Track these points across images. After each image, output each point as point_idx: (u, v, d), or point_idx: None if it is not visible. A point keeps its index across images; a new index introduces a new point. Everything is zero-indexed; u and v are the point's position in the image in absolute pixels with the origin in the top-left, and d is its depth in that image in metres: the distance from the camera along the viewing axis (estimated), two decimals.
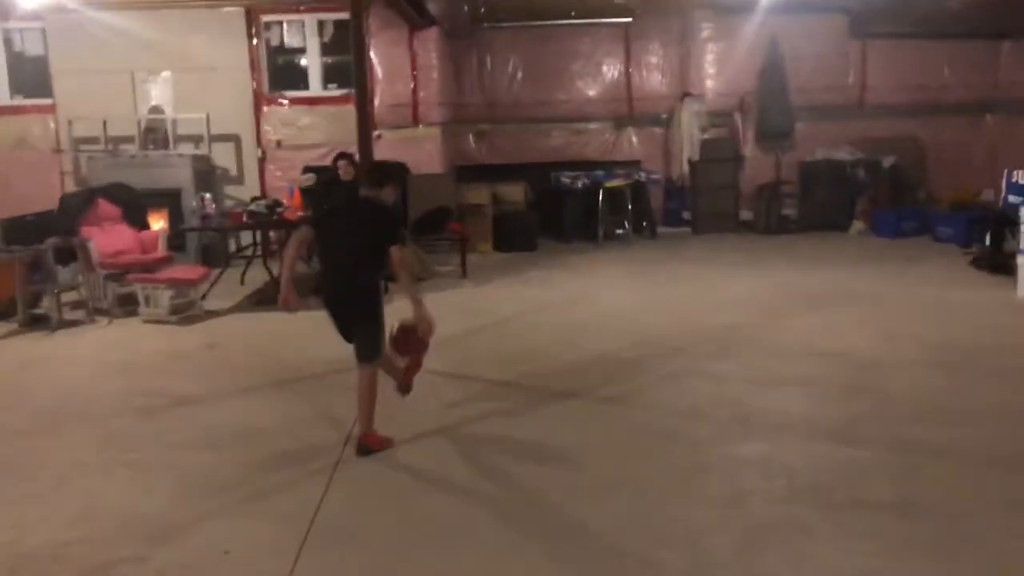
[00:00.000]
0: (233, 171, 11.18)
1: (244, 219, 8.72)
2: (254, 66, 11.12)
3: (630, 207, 11.79)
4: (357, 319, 4.86)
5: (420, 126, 11.37)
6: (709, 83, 12.54)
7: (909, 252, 10.42)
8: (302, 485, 4.45)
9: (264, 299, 8.67)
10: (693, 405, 5.44)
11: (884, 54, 12.49)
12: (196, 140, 10.88)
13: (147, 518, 4.10)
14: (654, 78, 12.86)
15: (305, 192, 9.44)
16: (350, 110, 11.06)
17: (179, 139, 10.92)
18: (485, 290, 9.21)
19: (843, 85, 12.60)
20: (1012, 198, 8.50)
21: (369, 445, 4.77)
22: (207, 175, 10.75)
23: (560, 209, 11.94)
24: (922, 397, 5.46)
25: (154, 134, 10.91)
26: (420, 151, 11.19)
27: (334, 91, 11.26)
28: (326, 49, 11.21)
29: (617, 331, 7.29)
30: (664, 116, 12.80)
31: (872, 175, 12.06)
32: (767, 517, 3.91)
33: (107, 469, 4.73)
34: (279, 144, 11.19)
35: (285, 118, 11.22)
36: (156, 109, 11.06)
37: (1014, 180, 8.49)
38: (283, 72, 11.27)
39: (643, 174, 12.10)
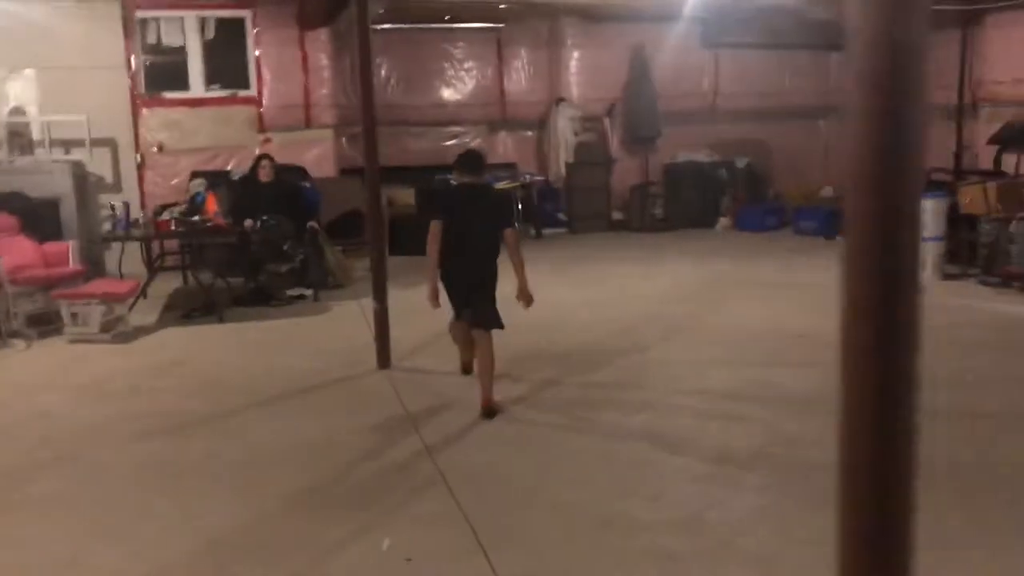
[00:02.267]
0: (109, 178, 10.36)
1: (173, 227, 8.14)
2: (130, 65, 10.37)
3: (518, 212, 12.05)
4: (487, 295, 5.28)
5: (312, 128, 11.04)
6: (579, 89, 13.02)
7: (786, 244, 11.39)
8: (415, 483, 4.37)
9: (193, 312, 8.19)
10: (729, 388, 5.80)
11: (733, 62, 13.49)
12: (68, 145, 10.00)
13: (294, 537, 3.88)
14: (526, 83, 13.18)
15: (220, 196, 8.98)
16: (236, 112, 10.70)
17: (48, 143, 9.99)
18: (410, 295, 9.10)
19: (699, 91, 13.50)
20: None
21: (496, 407, 5.27)
22: (82, 182, 9.90)
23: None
24: None
25: (19, 139, 9.92)
26: (312, 154, 10.88)
27: (218, 92, 10.70)
28: (208, 48, 10.63)
29: (571, 325, 7.51)
30: (536, 120, 13.15)
31: (730, 175, 13.02)
32: None
33: (183, 496, 4.40)
34: (160, 148, 10.49)
35: (166, 121, 10.54)
36: (17, 111, 10.06)
37: None
38: (162, 72, 10.57)
39: (527, 176, 12.41)
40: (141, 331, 7.73)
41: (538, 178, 12.62)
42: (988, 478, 4.30)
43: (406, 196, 11.74)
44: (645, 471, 4.53)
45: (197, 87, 10.66)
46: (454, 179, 5.61)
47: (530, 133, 13.33)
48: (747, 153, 13.36)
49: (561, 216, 13.07)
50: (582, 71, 13.06)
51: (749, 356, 6.52)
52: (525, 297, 5.33)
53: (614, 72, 12.99)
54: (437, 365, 6.39)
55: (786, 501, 4.13)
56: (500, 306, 5.36)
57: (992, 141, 9.77)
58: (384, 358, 6.35)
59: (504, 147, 13.25)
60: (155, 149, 10.49)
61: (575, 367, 6.35)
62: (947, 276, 8.82)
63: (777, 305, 8.08)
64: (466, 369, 5.96)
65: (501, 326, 5.29)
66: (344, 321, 8.04)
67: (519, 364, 6.26)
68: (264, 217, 8.56)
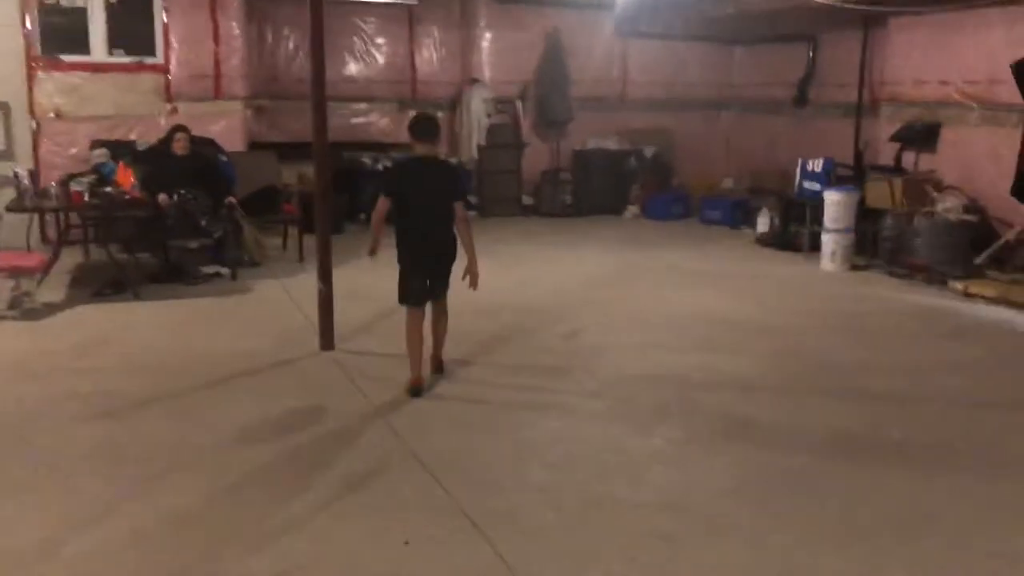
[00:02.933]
0: (1, 145, 9.67)
1: (87, 198, 7.66)
2: (25, 24, 9.68)
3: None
4: (447, 265, 5.42)
5: (222, 99, 10.59)
6: (492, 70, 12.95)
7: (694, 233, 11.65)
8: (394, 467, 4.27)
9: (105, 289, 7.75)
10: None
11: (643, 52, 13.69)
12: None
13: (282, 522, 3.73)
14: (438, 62, 13.01)
15: (133, 167, 8.53)
16: (140, 79, 10.22)
17: None
18: (338, 276, 8.87)
19: (609, 79, 13.64)
20: (807, 184, 9.87)
21: (443, 365, 5.70)
22: None
23: (357, 191, 11.79)
24: (836, 354, 6.37)
25: None
26: (221, 127, 10.43)
27: (122, 58, 10.12)
28: (112, 11, 10.02)
29: (507, 310, 7.51)
30: (447, 100, 13.02)
31: (639, 163, 13.23)
32: None
33: (154, 481, 4.17)
34: (57, 115, 9.86)
35: (64, 86, 9.90)
36: None
37: (809, 168, 9.85)
38: (60, 33, 9.90)
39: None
40: (51, 308, 7.27)
41: (452, 160, 12.49)
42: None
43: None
44: (619, 453, 4.57)
45: (99, 51, 10.02)
46: (411, 146, 5.52)
47: (440, 114, 13.17)
48: (653, 142, 13.59)
49: (472, 199, 12.99)
50: (495, 53, 12.99)
51: (687, 340, 6.66)
52: (473, 275, 5.37)
53: (527, 55, 12.97)
54: (380, 347, 6.27)
55: (759, 480, 4.25)
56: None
57: (894, 139, 10.25)
58: (328, 340, 6.18)
59: None
60: (52, 115, 9.85)
61: (522, 351, 6.36)
62: (854, 267, 9.23)
63: (701, 292, 8.28)
64: (416, 390, 5.33)
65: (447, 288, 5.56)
66: (270, 301, 7.78)
67: (466, 348, 6.21)
68: (182, 191, 8.19)
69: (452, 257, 5.45)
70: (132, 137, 10.01)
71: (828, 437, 4.83)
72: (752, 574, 3.44)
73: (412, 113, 12.75)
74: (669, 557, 3.55)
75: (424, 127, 5.43)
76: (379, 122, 12.84)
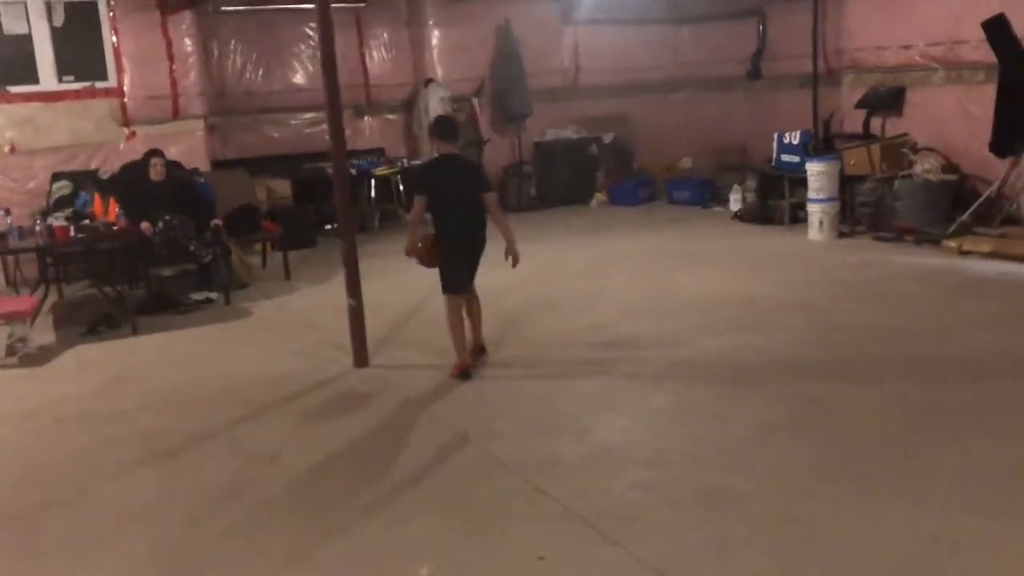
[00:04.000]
0: None
1: (71, 234, 7.28)
2: None
3: (402, 194, 11.77)
4: (479, 253, 5.80)
5: (180, 119, 10.21)
6: (444, 68, 12.76)
7: (667, 215, 11.66)
8: (497, 480, 4.14)
9: (99, 326, 7.40)
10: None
11: (592, 39, 13.67)
12: None
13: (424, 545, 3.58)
14: (390, 64, 12.77)
15: (108, 195, 8.18)
16: (94, 105, 9.82)
17: None
18: (326, 288, 8.66)
19: (561, 68, 13.58)
20: (785, 156, 9.97)
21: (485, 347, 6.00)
22: None
23: (321, 201, 11.56)
24: (870, 323, 6.44)
25: None
26: (182, 148, 10.06)
27: (73, 84, 9.67)
28: (57, 35, 9.56)
29: (535, 308, 7.39)
30: (402, 102, 12.81)
31: (600, 150, 13.22)
32: None
33: (237, 528, 3.97)
34: (12, 149, 9.37)
35: (16, 118, 9.40)
36: None
37: (786, 141, 9.95)
38: (6, 64, 9.39)
39: (403, 161, 12.09)
40: (48, 352, 6.90)
41: (415, 162, 12.30)
42: None
43: (282, 187, 11.16)
44: (706, 443, 4.52)
45: (48, 79, 9.56)
46: (434, 148, 5.95)
47: (393, 116, 12.97)
48: (611, 128, 13.59)
49: None
50: (446, 50, 12.80)
51: (719, 323, 6.62)
52: (514, 253, 5.75)
53: (479, 51, 12.84)
54: (414, 359, 6.13)
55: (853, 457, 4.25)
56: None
57: (859, 105, 10.44)
58: (362, 357, 5.99)
59: (370, 131, 12.79)
60: (6, 150, 9.36)
61: (557, 348, 6.26)
62: (841, 235, 9.36)
63: (705, 272, 8.28)
64: (465, 373, 5.63)
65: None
66: (275, 323, 7.54)
67: (504, 348, 6.11)
68: (167, 217, 7.86)
69: (483, 245, 5.79)
70: (93, 166, 9.60)
71: (913, 408, 4.80)
72: (885, 547, 3.41)
73: (367, 119, 12.85)
74: (807, 539, 3.52)
75: (446, 128, 5.87)
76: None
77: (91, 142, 9.73)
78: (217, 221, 8.30)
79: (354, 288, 5.95)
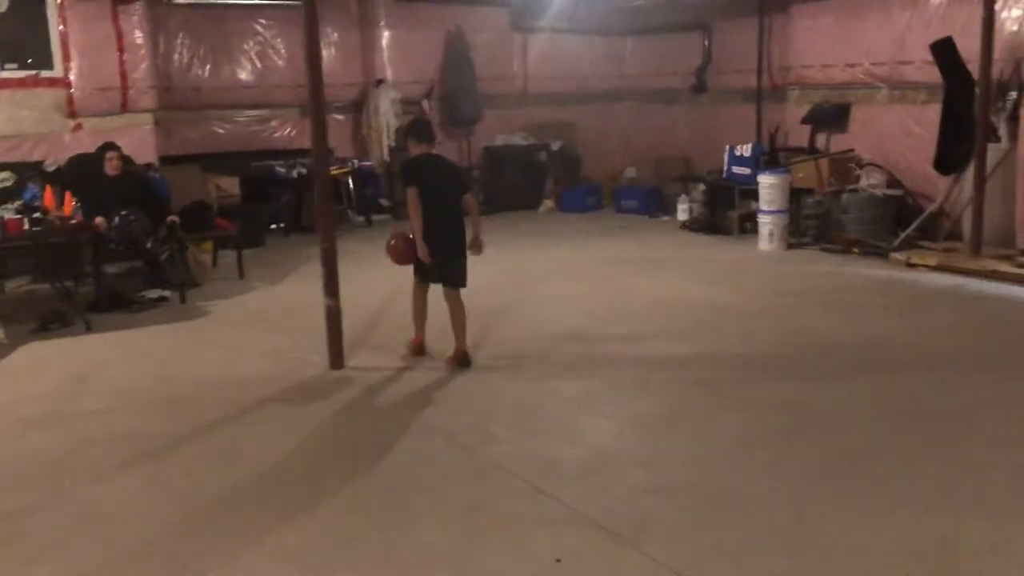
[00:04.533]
0: None
1: (25, 227, 7.00)
2: None
3: (352, 194, 11.66)
4: (459, 255, 5.85)
5: (129, 113, 9.92)
6: (395, 70, 12.69)
7: (617, 223, 11.82)
8: (492, 480, 4.13)
9: (50, 324, 7.14)
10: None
11: (540, 46, 13.76)
12: None
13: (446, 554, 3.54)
14: (339, 64, 12.63)
15: (60, 188, 7.89)
16: (38, 94, 9.50)
17: None
18: (284, 288, 8.53)
19: (510, 75, 13.64)
20: (736, 168, 10.20)
21: (469, 356, 5.87)
22: None
23: (269, 200, 11.42)
24: (835, 331, 6.63)
25: None
26: (130, 141, 9.75)
27: (15, 72, 9.31)
28: (1, 21, 9.19)
29: (497, 314, 7.41)
30: (350, 103, 12.68)
31: (548, 158, 13.31)
32: None
33: (233, 531, 3.88)
34: None
35: None
36: None
37: (737, 153, 10.18)
38: None
39: (354, 162, 11.99)
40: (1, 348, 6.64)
41: (366, 163, 12.21)
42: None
43: (231, 185, 10.94)
44: (707, 445, 4.59)
45: None
46: (411, 149, 6.00)
47: (341, 117, 12.82)
48: (558, 136, 13.70)
49: (384, 202, 12.73)
50: (397, 52, 12.74)
51: (689, 329, 6.73)
52: (477, 245, 5.96)
53: (430, 54, 12.82)
54: (389, 362, 6.07)
55: (851, 463, 4.37)
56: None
57: (805, 121, 10.74)
58: (337, 358, 5.91)
59: None
60: None
61: (537, 354, 6.26)
62: (790, 246, 9.61)
63: (664, 280, 8.41)
64: (418, 349, 6.09)
65: (465, 284, 5.91)
66: (236, 322, 7.38)
67: (484, 352, 6.10)
68: (123, 212, 7.64)
69: (462, 240, 5.87)
70: (37, 157, 9.25)
71: (897, 414, 4.96)
72: (899, 549, 3.53)
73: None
74: (822, 541, 3.60)
75: (423, 130, 6.06)
76: (281, 128, 12.35)
77: (34, 133, 9.38)
78: (173, 218, 8.10)
79: (332, 289, 5.86)
